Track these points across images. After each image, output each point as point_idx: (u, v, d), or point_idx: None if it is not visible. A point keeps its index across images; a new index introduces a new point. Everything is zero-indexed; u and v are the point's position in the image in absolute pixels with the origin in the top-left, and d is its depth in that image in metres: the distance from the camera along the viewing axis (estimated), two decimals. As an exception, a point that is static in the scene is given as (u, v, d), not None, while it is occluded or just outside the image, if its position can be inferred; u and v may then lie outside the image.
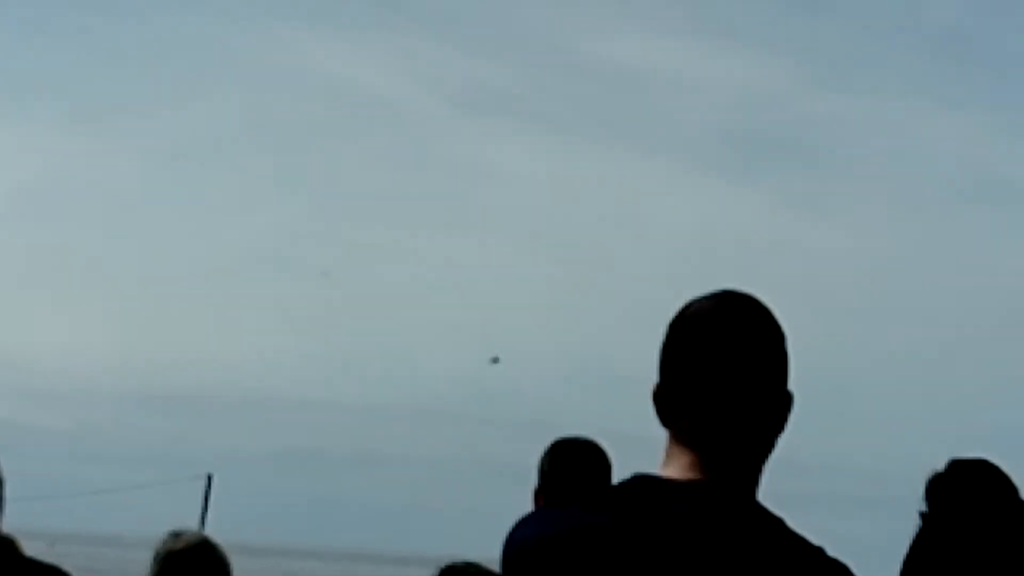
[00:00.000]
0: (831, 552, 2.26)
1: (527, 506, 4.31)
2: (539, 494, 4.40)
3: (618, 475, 2.44)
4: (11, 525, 4.89)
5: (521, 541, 2.32)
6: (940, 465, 4.11)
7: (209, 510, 40.81)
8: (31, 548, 4.95)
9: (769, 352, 2.35)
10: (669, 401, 2.37)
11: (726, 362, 2.32)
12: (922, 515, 3.43)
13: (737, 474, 2.31)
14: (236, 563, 5.00)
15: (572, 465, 4.36)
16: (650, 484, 2.30)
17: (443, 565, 4.36)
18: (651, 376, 2.42)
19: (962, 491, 3.94)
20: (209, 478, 41.87)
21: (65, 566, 5.06)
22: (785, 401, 2.37)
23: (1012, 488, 4.08)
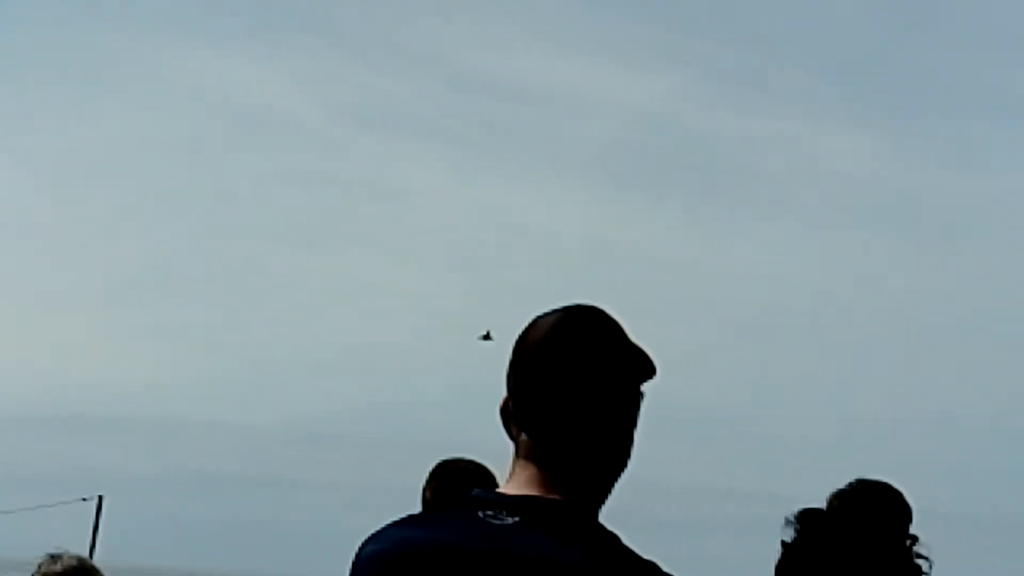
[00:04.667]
0: (666, 568, 2.27)
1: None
2: None
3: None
4: None
5: (362, 559, 2.38)
6: (842, 484, 4.16)
7: (99, 533, 40.27)
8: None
9: (609, 367, 2.36)
10: (513, 415, 2.39)
11: (561, 376, 2.34)
12: (791, 525, 3.43)
13: (576, 490, 2.33)
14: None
15: (456, 487, 4.31)
16: (486, 500, 2.34)
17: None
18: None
19: (847, 513, 3.99)
20: (100, 500, 41.31)
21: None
22: (626, 417, 2.38)
23: (904, 513, 4.13)
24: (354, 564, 2.39)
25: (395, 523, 2.40)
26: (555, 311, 2.41)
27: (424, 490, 4.42)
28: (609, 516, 2.39)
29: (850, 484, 4.13)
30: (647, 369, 2.41)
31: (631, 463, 2.41)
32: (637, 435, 2.42)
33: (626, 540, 2.29)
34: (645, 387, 2.42)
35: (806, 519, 2.66)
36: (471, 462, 4.43)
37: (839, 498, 4.07)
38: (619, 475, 2.39)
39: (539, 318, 2.41)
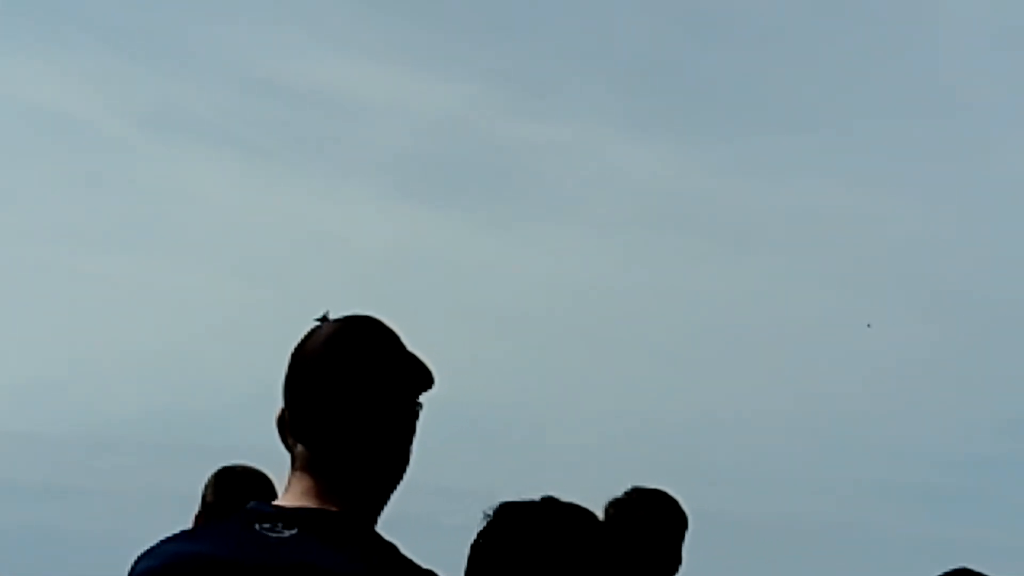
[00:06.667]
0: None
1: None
2: (198, 522, 4.34)
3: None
4: None
5: (136, 574, 2.36)
6: (619, 492, 4.25)
7: None
8: None
9: (383, 378, 2.38)
10: (289, 426, 2.40)
11: (336, 388, 2.35)
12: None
13: (352, 500, 2.35)
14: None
15: (235, 494, 4.31)
16: (262, 512, 2.35)
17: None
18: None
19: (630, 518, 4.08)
20: None
21: None
22: (402, 428, 2.41)
23: (679, 521, 4.21)
24: None
25: (169, 538, 2.39)
26: (332, 322, 2.42)
27: (203, 496, 4.42)
28: (396, 522, 2.43)
29: (626, 492, 4.22)
30: (424, 380, 2.43)
31: (410, 471, 2.42)
32: (424, 442, 2.44)
33: (405, 549, 2.30)
34: (424, 397, 2.44)
35: (499, 513, 2.69)
36: (251, 469, 4.44)
37: (614, 506, 4.16)
38: (396, 485, 2.41)
39: (315, 329, 2.42)
